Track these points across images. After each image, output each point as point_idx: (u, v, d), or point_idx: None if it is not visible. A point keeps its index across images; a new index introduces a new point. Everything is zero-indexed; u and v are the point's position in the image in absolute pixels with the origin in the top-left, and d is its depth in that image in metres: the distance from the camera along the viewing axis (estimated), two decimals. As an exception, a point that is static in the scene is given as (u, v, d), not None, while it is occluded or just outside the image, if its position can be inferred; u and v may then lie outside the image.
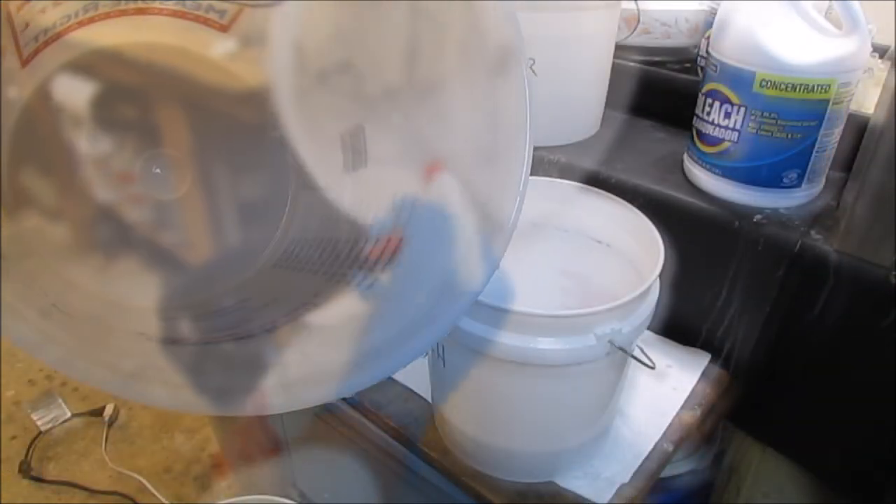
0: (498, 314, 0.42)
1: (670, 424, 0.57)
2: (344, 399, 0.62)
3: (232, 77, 0.38)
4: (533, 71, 0.65)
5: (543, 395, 0.47)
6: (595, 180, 0.65)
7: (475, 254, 0.35)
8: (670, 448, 0.55)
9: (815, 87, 0.51)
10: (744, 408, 0.64)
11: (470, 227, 0.36)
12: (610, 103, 0.75)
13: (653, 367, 0.46)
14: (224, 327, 0.36)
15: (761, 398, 0.63)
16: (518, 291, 0.63)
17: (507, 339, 0.43)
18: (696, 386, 0.61)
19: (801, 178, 0.55)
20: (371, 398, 0.60)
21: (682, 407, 0.59)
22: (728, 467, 0.71)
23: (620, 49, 0.76)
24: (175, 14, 0.36)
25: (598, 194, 0.55)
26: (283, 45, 0.38)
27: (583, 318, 0.42)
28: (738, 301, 0.59)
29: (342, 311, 0.37)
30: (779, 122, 0.52)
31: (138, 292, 0.36)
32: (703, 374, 0.62)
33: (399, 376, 0.62)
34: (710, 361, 0.63)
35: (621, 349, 0.43)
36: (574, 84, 0.67)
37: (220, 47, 0.37)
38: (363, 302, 0.37)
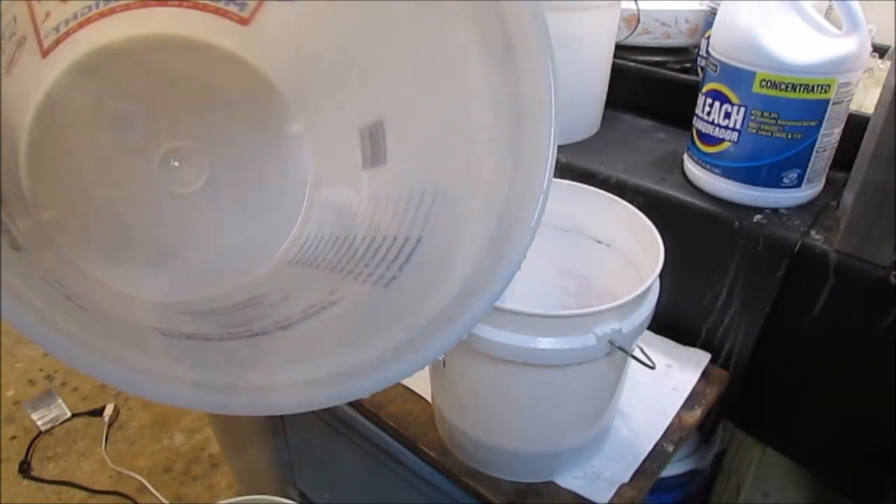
0: (498, 314, 0.42)
1: (670, 425, 0.57)
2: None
3: (250, 71, 0.37)
4: (533, 71, 0.65)
5: (543, 395, 0.47)
6: (595, 180, 0.65)
7: (494, 252, 0.33)
8: (670, 448, 0.55)
9: (815, 87, 0.51)
10: (744, 408, 0.64)
11: (488, 224, 0.34)
12: (610, 103, 0.75)
13: (653, 367, 0.46)
14: (237, 324, 0.35)
15: (761, 398, 0.63)
16: (517, 291, 0.63)
17: (507, 339, 0.43)
18: (696, 386, 0.61)
19: (801, 178, 0.55)
20: (371, 398, 0.60)
21: (682, 407, 0.59)
22: (728, 467, 0.71)
23: (620, 49, 0.76)
24: (195, 6, 0.35)
25: (598, 194, 0.55)
26: (293, 42, 0.37)
27: (583, 318, 0.42)
28: (738, 301, 0.59)
29: (357, 309, 0.36)
30: (779, 121, 0.52)
31: (151, 285, 0.36)
32: (703, 374, 0.62)
33: (399, 376, 0.62)
34: (710, 361, 0.63)
35: (621, 349, 0.43)
36: (574, 84, 0.67)
37: (237, 40, 0.36)
38: (380, 301, 0.35)
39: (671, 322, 0.64)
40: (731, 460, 0.70)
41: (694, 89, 0.71)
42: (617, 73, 0.73)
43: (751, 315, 0.59)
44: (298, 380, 0.31)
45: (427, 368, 0.55)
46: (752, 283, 0.57)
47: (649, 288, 0.45)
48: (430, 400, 0.58)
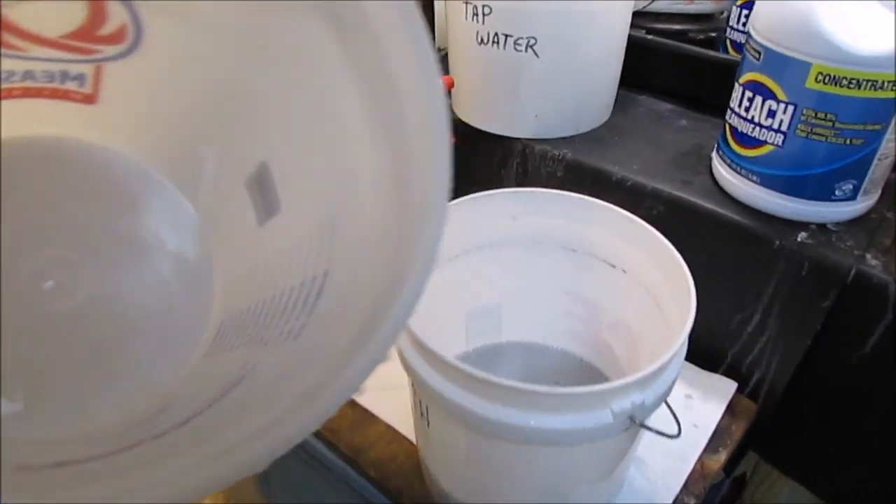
0: (489, 387, 0.34)
1: (692, 472, 0.50)
2: (323, 440, 0.55)
3: (111, 157, 0.32)
4: (534, 52, 0.55)
5: (546, 470, 0.39)
6: (607, 182, 0.56)
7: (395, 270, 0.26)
8: (692, 502, 0.48)
9: (885, 84, 0.41)
10: (772, 441, 0.57)
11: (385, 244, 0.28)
12: (622, 83, 0.64)
13: (677, 436, 0.39)
14: (132, 438, 0.28)
15: (794, 434, 0.56)
16: (517, 311, 0.55)
17: (505, 416, 0.35)
18: (720, 422, 0.53)
19: (856, 189, 0.46)
20: (350, 441, 0.53)
21: (705, 450, 0.51)
22: (750, 500, 0.64)
23: (634, 16, 0.65)
24: (27, 93, 0.29)
25: (612, 211, 0.46)
26: (148, 108, 0.31)
27: (597, 394, 0.34)
28: (774, 328, 0.51)
29: (267, 374, 0.29)
30: (836, 124, 0.43)
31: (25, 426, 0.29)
32: (729, 407, 0.54)
33: (382, 413, 0.55)
34: (737, 391, 0.55)
35: (643, 426, 0.36)
36: (583, 65, 0.57)
37: (88, 124, 0.31)
38: (290, 355, 0.29)
39: (692, 343, 0.56)
40: (755, 492, 0.63)
41: (721, 67, 0.61)
42: (632, 47, 0.62)
43: (788, 345, 0.51)
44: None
45: (411, 415, 0.48)
46: (792, 311, 0.49)
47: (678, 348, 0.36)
48: (416, 442, 0.51)
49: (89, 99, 0.31)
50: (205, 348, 0.32)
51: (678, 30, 0.71)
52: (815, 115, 0.43)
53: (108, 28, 0.28)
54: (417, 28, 0.23)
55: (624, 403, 0.35)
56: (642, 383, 0.35)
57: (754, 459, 0.63)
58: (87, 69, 0.30)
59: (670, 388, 0.37)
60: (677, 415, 0.46)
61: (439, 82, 0.24)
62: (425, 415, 0.41)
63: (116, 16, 0.28)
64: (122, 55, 0.29)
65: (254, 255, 0.34)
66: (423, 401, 0.40)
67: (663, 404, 0.39)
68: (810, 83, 0.42)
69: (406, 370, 0.39)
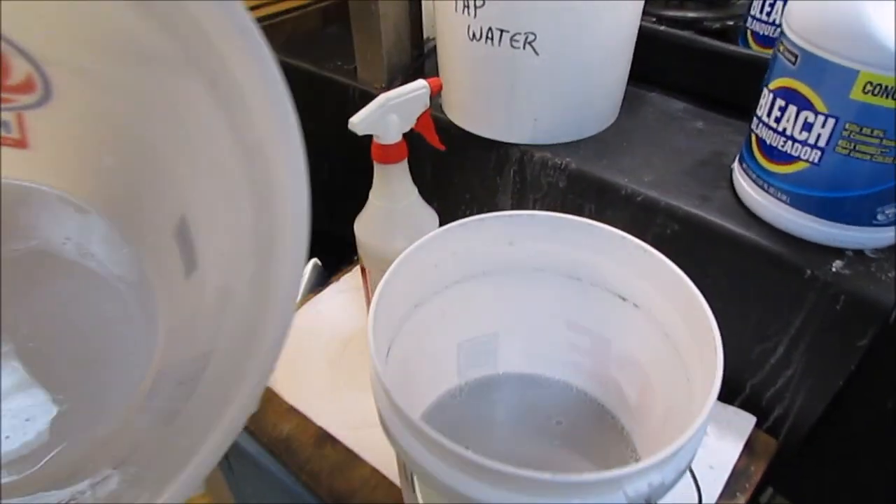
0: (487, 472, 0.29)
1: (708, 522, 0.45)
2: (303, 484, 0.50)
3: (36, 192, 0.32)
4: (533, 49, 0.49)
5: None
6: (616, 195, 0.50)
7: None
8: (708, 558, 0.43)
9: (946, 96, 0.35)
10: (793, 481, 0.53)
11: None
12: (631, 78, 0.58)
13: (701, 510, 0.34)
14: None
15: (816, 474, 0.51)
16: (511, 344, 0.50)
17: (499, 499, 0.30)
18: (737, 462, 0.48)
19: (901, 213, 0.40)
20: (331, 486, 0.48)
21: (722, 495, 0.47)
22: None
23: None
24: None
25: (625, 240, 0.40)
26: (79, 152, 0.31)
27: (611, 480, 0.29)
28: (800, 364, 0.46)
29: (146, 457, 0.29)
30: (884, 141, 0.37)
31: None
32: (747, 445, 0.49)
33: (367, 454, 0.50)
34: (756, 426, 0.50)
35: (663, 510, 0.31)
36: (587, 64, 0.51)
37: (26, 167, 0.31)
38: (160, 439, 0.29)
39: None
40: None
41: (741, 62, 0.55)
42: (640, 38, 0.56)
43: (816, 383, 0.46)
44: None
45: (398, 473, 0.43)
46: (823, 348, 0.44)
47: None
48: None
49: (20, 144, 0.31)
50: (142, 396, 0.30)
51: (692, 18, 0.64)
52: (860, 130, 0.37)
53: (15, 78, 0.28)
54: (278, 88, 0.21)
55: (640, 486, 0.29)
56: (661, 464, 0.30)
57: (770, 491, 0.58)
58: (8, 117, 0.30)
59: (692, 458, 0.32)
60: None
61: (300, 152, 0.22)
62: (411, 480, 0.36)
63: (18, 67, 0.28)
64: (37, 104, 0.29)
65: (181, 311, 0.32)
66: (409, 467, 0.35)
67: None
68: (856, 94, 0.37)
69: (387, 437, 0.34)
